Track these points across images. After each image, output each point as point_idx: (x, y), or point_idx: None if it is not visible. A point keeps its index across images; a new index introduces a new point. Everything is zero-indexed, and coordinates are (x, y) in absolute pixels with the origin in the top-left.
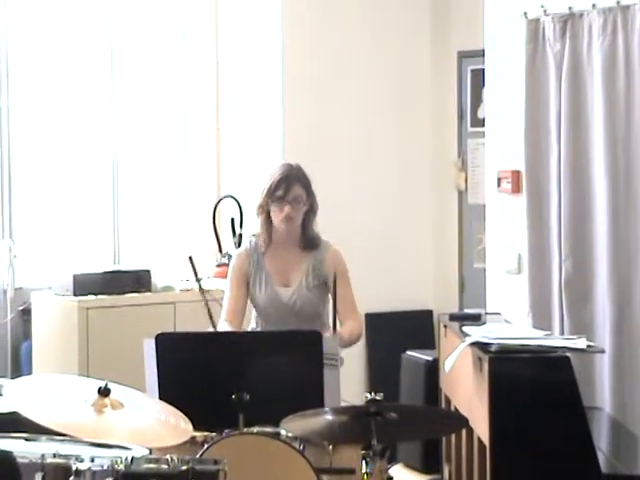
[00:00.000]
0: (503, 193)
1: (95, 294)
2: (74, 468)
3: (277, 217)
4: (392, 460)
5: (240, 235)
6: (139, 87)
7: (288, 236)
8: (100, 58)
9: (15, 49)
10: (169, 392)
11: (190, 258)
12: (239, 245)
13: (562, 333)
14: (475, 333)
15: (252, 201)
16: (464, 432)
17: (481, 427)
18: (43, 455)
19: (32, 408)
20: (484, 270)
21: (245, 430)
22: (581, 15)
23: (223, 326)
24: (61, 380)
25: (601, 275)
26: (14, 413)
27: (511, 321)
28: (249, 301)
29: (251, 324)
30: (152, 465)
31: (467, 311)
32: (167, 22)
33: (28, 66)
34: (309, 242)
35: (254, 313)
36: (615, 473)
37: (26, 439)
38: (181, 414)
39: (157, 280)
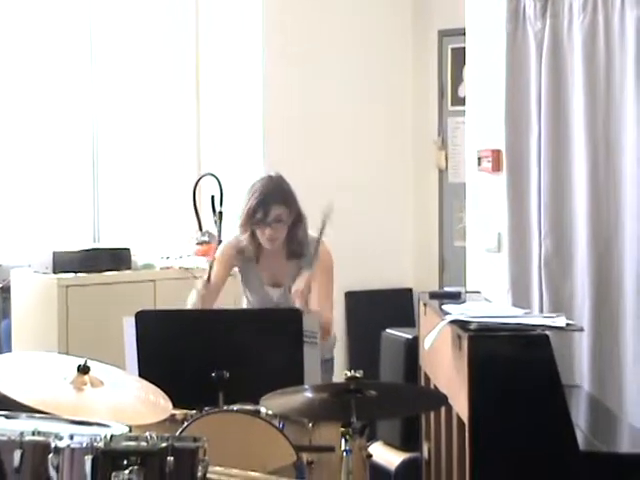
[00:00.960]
0: (483, 172)
1: (75, 272)
2: (53, 445)
3: (261, 238)
4: (371, 438)
5: (220, 213)
6: (119, 65)
7: (274, 248)
8: (80, 36)
9: None
10: (149, 370)
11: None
12: (220, 223)
13: (541, 311)
14: (455, 311)
15: (232, 179)
16: (443, 410)
17: (460, 405)
18: (22, 433)
19: (11, 386)
20: (464, 248)
21: (225, 408)
22: None
23: (193, 295)
24: (40, 358)
25: (580, 254)
26: None
27: (491, 299)
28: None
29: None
30: (131, 442)
31: (447, 289)
32: (147, 4)
33: (11, 42)
34: (292, 252)
35: (245, 303)
36: (593, 450)
37: (5, 417)
38: (161, 392)
39: (137, 258)
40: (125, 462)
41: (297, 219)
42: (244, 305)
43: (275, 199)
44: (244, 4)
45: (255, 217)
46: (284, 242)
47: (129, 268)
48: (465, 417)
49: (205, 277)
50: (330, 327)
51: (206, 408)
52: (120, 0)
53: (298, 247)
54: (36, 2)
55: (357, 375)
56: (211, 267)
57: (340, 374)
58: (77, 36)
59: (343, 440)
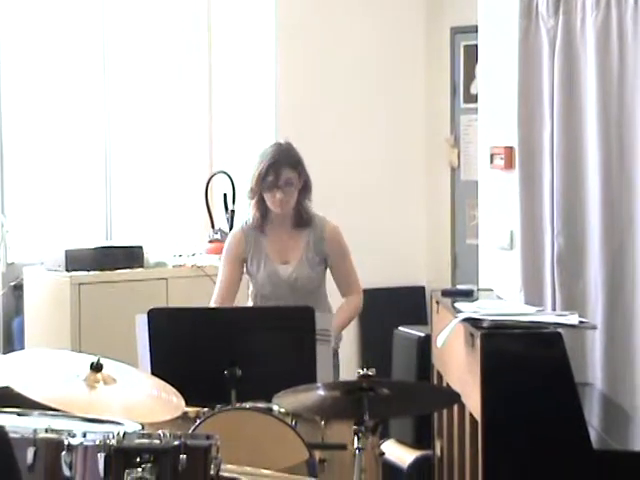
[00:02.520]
0: (496, 169)
1: (87, 270)
2: (66, 443)
3: (270, 202)
4: (384, 436)
5: (232, 211)
6: (131, 64)
7: (282, 216)
8: (92, 37)
9: (9, 39)
10: (161, 367)
11: None
12: (231, 221)
13: (554, 309)
14: (467, 309)
15: (245, 177)
16: (456, 408)
17: (473, 403)
18: (35, 430)
19: (24, 383)
20: (476, 246)
21: (237, 405)
22: None
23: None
24: (53, 355)
25: (593, 251)
26: (6, 388)
27: (503, 297)
28: (248, 279)
29: (249, 303)
30: (144, 440)
31: (459, 287)
32: (159, 2)
33: (20, 48)
34: (302, 220)
35: (251, 291)
36: (606, 449)
37: (18, 414)
38: (173, 389)
39: (149, 256)
40: (138, 460)
41: (305, 186)
42: (250, 298)
43: (286, 163)
44: (257, 5)
45: (266, 180)
46: (292, 210)
47: (141, 266)
48: (478, 415)
49: (214, 294)
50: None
51: (218, 406)
52: (131, 6)
53: (305, 214)
54: (50, 4)
55: (369, 373)
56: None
57: (353, 372)
58: (90, 35)
59: (355, 438)
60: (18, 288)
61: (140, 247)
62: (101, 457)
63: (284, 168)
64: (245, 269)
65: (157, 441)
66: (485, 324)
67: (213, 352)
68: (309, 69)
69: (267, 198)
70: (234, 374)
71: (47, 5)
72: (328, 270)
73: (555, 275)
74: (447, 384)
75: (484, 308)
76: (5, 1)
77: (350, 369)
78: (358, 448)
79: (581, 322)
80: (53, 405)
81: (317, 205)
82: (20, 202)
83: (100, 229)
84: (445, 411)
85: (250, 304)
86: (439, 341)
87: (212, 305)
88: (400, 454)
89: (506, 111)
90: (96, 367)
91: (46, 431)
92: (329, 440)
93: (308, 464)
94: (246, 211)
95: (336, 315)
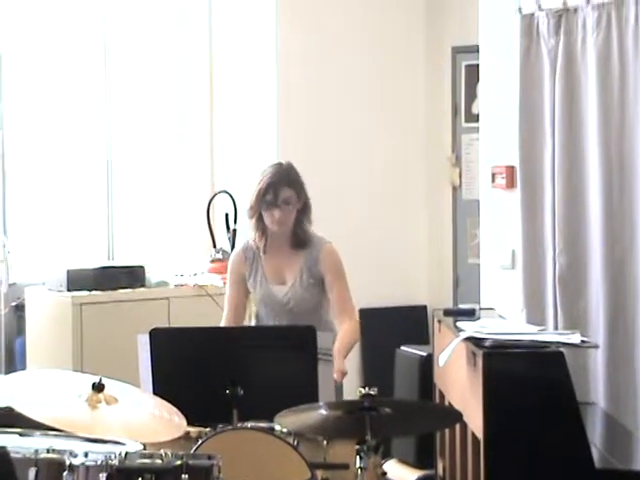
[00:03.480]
0: (497, 188)
1: (89, 289)
2: (68, 463)
3: (269, 220)
4: (386, 455)
5: (234, 230)
6: (133, 82)
7: (280, 236)
8: (94, 53)
9: (9, 44)
10: (163, 387)
11: None
12: (233, 240)
13: (556, 328)
14: (469, 328)
15: (246, 197)
16: (458, 427)
17: (475, 422)
18: (37, 450)
19: (26, 403)
20: (478, 265)
21: (239, 425)
22: (575, 10)
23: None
24: (55, 375)
25: (595, 270)
26: (8, 408)
27: (505, 316)
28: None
29: (251, 322)
30: (146, 460)
31: (461, 306)
32: (161, 15)
33: (21, 61)
34: (299, 241)
35: (253, 313)
36: (609, 468)
37: (20, 434)
38: (175, 409)
39: (151, 275)
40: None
41: (304, 207)
42: (253, 317)
43: (285, 182)
44: (257, 28)
45: (265, 198)
46: (290, 231)
47: (143, 286)
48: (480, 434)
49: (224, 317)
50: (357, 334)
51: (220, 425)
52: (133, 17)
53: (304, 235)
54: (51, 6)
55: (372, 392)
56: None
57: (355, 391)
58: (91, 62)
59: (358, 457)
60: (20, 308)
61: (142, 267)
62: (103, 477)
63: (283, 187)
64: (247, 291)
65: (159, 461)
66: (487, 343)
67: (215, 372)
68: (310, 90)
69: (265, 217)
70: (236, 394)
71: (48, 12)
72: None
73: (557, 294)
74: (449, 403)
75: (486, 327)
76: (6, 3)
77: (352, 388)
78: (360, 468)
79: (583, 341)
80: (55, 425)
81: (318, 223)
82: (22, 222)
83: (102, 249)
84: (447, 430)
85: (253, 323)
86: (441, 360)
87: (222, 324)
88: (402, 474)
89: (507, 130)
90: (98, 387)
91: (48, 451)
92: (331, 460)
93: None
94: (247, 231)
95: (340, 335)
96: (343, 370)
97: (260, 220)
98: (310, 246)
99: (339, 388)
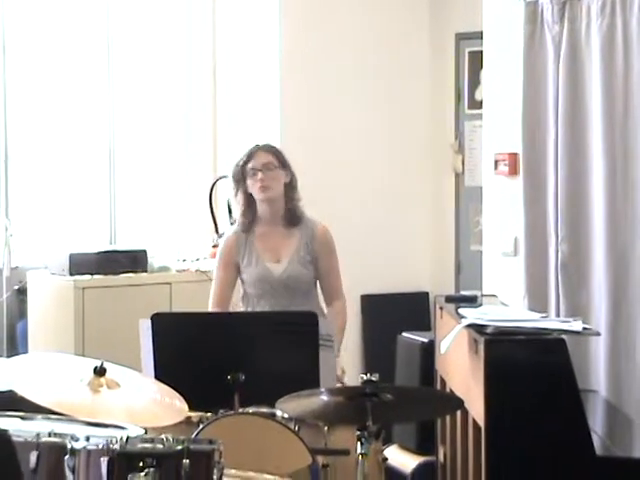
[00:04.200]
0: (500, 175)
1: (91, 274)
2: (69, 447)
3: (254, 188)
4: (387, 441)
5: None
6: (136, 68)
7: (272, 212)
8: (97, 38)
9: (14, 34)
10: (165, 372)
11: None
12: None
13: (558, 315)
14: (471, 315)
15: None
16: (459, 414)
17: (476, 409)
18: (38, 434)
19: (28, 387)
20: (480, 252)
21: (240, 410)
22: None
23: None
24: (57, 359)
25: (597, 258)
26: (10, 392)
27: (507, 303)
28: (239, 283)
29: (238, 307)
30: (147, 445)
31: (463, 293)
32: (164, 4)
33: (27, 47)
34: (293, 217)
35: (242, 295)
36: (609, 455)
37: (21, 418)
38: (177, 394)
39: (153, 260)
40: (141, 464)
41: (291, 183)
42: (240, 302)
43: (263, 149)
44: (261, 13)
45: (245, 165)
46: (283, 208)
47: (145, 270)
48: (481, 421)
49: (211, 297)
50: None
51: (222, 410)
52: (137, 8)
53: (297, 211)
54: (54, 11)
55: (373, 379)
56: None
57: (356, 377)
58: (95, 41)
59: (359, 443)
60: (22, 292)
61: (144, 251)
62: (104, 461)
63: (259, 152)
64: (239, 273)
65: (160, 445)
66: (489, 330)
67: (216, 357)
68: (313, 75)
69: (251, 186)
70: (237, 379)
71: (53, 4)
72: None
73: (559, 281)
74: (450, 390)
75: (488, 314)
76: (10, 2)
77: (353, 374)
78: (361, 453)
79: (585, 329)
80: (56, 409)
81: (320, 210)
82: (24, 206)
83: (104, 233)
84: (448, 417)
85: (241, 308)
86: (443, 347)
87: (210, 306)
88: (403, 460)
89: (511, 117)
90: (99, 371)
91: (49, 435)
92: (332, 445)
93: (311, 469)
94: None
95: (333, 323)
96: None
97: (247, 198)
98: (304, 223)
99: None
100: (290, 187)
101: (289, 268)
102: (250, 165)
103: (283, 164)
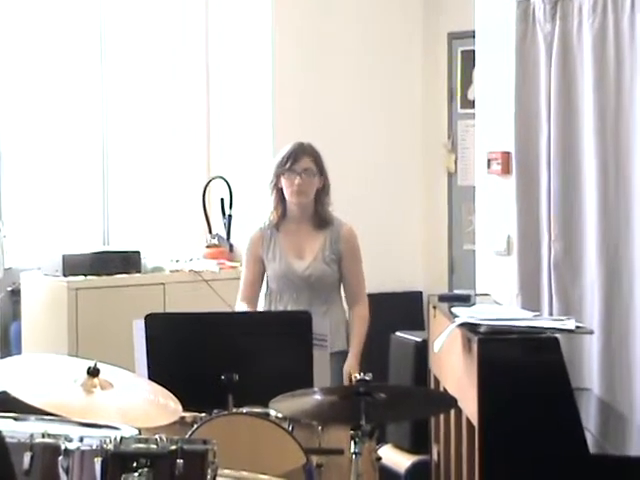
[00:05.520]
0: (493, 174)
1: (84, 275)
2: (63, 448)
3: (288, 190)
4: (381, 440)
5: (230, 216)
6: (128, 68)
7: (302, 213)
8: (91, 37)
9: (6, 34)
10: (158, 372)
11: None
12: (229, 226)
13: (551, 314)
14: (464, 314)
15: (242, 182)
16: (453, 413)
17: (470, 408)
18: (32, 435)
19: (21, 388)
20: (473, 251)
21: (234, 410)
22: None
23: (240, 306)
24: (50, 360)
25: (590, 256)
26: (3, 393)
27: (500, 302)
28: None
29: (261, 303)
30: (141, 445)
31: (456, 292)
32: (158, 4)
33: (18, 49)
34: (322, 221)
35: (265, 292)
36: (603, 454)
37: (15, 419)
38: (170, 394)
39: (147, 261)
40: (135, 464)
41: (324, 187)
42: (263, 305)
43: (306, 153)
44: (253, 10)
45: (285, 165)
46: (312, 210)
47: (139, 271)
48: (475, 420)
49: (239, 292)
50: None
51: (215, 411)
52: (130, 9)
53: (326, 215)
54: (46, 9)
55: (366, 378)
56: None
57: None
58: (87, 43)
59: (352, 443)
60: (15, 293)
61: (137, 252)
62: (98, 462)
63: (303, 156)
64: (264, 272)
65: (154, 446)
66: (482, 329)
67: (210, 357)
68: (306, 74)
69: (285, 186)
70: (231, 379)
71: (45, 4)
72: None
73: (552, 280)
74: (444, 389)
75: (481, 313)
76: (3, 2)
77: None
78: (355, 453)
79: (578, 327)
80: (50, 410)
81: None
82: (17, 207)
83: (97, 234)
84: (442, 416)
85: (263, 304)
86: (436, 346)
87: (238, 301)
88: (397, 459)
89: (503, 116)
90: (93, 372)
91: (43, 436)
92: (326, 445)
93: (305, 469)
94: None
95: (354, 331)
96: (352, 373)
97: (279, 195)
98: (331, 225)
99: (339, 374)
100: (322, 192)
101: (312, 265)
102: (289, 165)
103: (321, 171)
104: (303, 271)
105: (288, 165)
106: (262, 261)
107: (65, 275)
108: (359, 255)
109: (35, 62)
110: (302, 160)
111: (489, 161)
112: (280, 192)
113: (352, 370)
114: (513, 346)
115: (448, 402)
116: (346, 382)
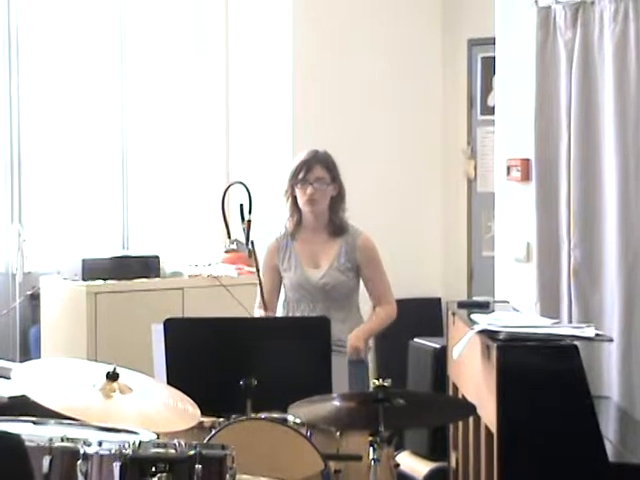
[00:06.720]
0: (512, 181)
1: (104, 279)
2: (82, 452)
3: (302, 199)
4: (399, 447)
5: (249, 221)
6: (149, 72)
7: (316, 221)
8: (111, 43)
9: (27, 37)
10: (177, 377)
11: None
12: (248, 231)
13: (570, 321)
14: (483, 321)
15: (261, 187)
16: (471, 420)
17: (488, 415)
18: (51, 439)
19: (40, 392)
20: (493, 258)
21: (253, 416)
22: (592, 3)
23: (257, 313)
24: (69, 364)
25: (610, 264)
26: (23, 397)
27: (519, 309)
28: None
29: (279, 312)
30: (160, 450)
31: (475, 299)
32: (177, 4)
33: (39, 50)
34: (337, 228)
35: (282, 300)
36: (622, 462)
37: (34, 423)
38: (189, 399)
39: (166, 266)
40: (153, 469)
41: (339, 195)
42: (280, 312)
43: (318, 162)
44: (274, 17)
45: (298, 175)
46: (327, 218)
47: (158, 276)
48: (493, 427)
49: (258, 299)
50: (393, 315)
51: (234, 416)
52: (150, 15)
53: (341, 223)
54: (67, 5)
55: (385, 384)
56: (261, 286)
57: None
58: (107, 50)
59: (371, 449)
60: (35, 297)
61: (156, 257)
62: (117, 466)
63: (315, 165)
64: (281, 280)
65: (172, 451)
66: (501, 336)
67: (229, 362)
68: (326, 81)
69: (299, 196)
70: (249, 384)
71: (66, 4)
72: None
73: (571, 287)
74: (463, 396)
75: (500, 320)
76: (23, 5)
77: None
78: (373, 459)
79: (597, 335)
80: (69, 414)
81: None
82: (37, 211)
83: (117, 239)
84: (461, 423)
85: (280, 313)
86: (455, 353)
87: (256, 309)
88: (415, 466)
89: (523, 123)
90: (112, 376)
91: (62, 440)
92: (344, 451)
93: (323, 475)
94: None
95: (374, 314)
96: (354, 344)
97: (294, 203)
98: (346, 233)
99: (365, 380)
100: (336, 200)
101: (327, 274)
102: (301, 175)
103: (334, 179)
104: (318, 280)
105: (301, 175)
106: (278, 270)
107: (84, 279)
108: (378, 262)
109: (56, 67)
110: (315, 169)
111: (509, 168)
112: (295, 200)
113: (355, 341)
114: (532, 353)
115: (467, 409)
116: (348, 352)
